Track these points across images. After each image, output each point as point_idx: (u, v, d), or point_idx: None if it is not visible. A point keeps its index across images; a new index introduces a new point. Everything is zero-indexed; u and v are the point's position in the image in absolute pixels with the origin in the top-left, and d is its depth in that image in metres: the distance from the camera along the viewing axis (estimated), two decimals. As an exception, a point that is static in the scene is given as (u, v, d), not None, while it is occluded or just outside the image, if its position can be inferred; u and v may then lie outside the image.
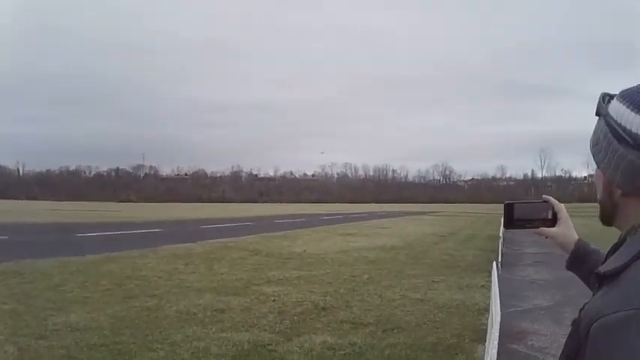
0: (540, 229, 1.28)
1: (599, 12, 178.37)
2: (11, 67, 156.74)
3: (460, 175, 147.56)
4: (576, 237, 1.26)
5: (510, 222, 1.30)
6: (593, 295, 0.94)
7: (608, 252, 1.01)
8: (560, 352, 1.03)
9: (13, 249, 13.46)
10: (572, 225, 1.29)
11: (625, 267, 0.85)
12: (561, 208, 1.29)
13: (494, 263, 5.69)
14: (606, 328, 0.79)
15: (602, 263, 1.00)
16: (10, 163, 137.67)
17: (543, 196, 1.31)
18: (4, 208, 44.32)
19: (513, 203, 1.30)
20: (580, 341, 0.87)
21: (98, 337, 5.58)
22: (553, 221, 1.28)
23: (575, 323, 0.95)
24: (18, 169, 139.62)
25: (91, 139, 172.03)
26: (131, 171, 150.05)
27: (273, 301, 7.66)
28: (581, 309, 0.97)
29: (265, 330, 6.05)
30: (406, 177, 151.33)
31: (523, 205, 1.31)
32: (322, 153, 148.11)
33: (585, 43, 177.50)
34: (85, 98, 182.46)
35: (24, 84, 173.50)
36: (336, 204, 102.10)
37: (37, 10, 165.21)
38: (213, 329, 6.02)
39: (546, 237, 1.28)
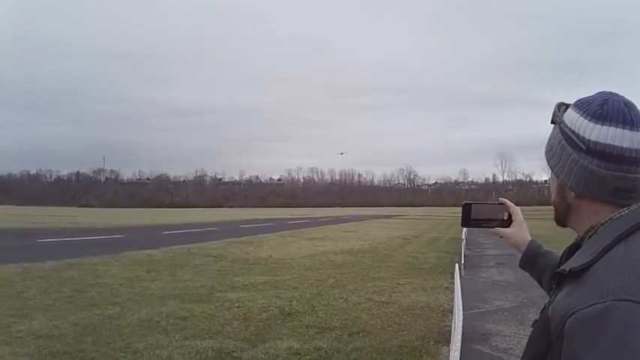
0: (496, 228, 1.36)
1: (549, 30, 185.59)
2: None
3: (424, 179, 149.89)
4: (529, 238, 1.33)
5: (467, 221, 1.37)
6: (552, 294, 0.98)
7: (564, 252, 1.06)
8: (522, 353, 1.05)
9: None
10: (525, 227, 1.36)
11: (592, 263, 0.89)
12: (516, 210, 1.35)
13: (457, 265, 5.79)
14: (584, 321, 0.82)
15: (560, 263, 1.03)
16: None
17: (500, 198, 1.39)
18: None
19: (471, 204, 1.38)
20: (551, 341, 0.89)
21: (61, 345, 5.48)
22: (508, 222, 1.36)
23: (540, 324, 0.98)
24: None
25: (52, 144, 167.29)
26: (92, 175, 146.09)
27: (238, 307, 7.57)
28: (542, 309, 1.00)
29: (230, 337, 5.97)
30: (372, 181, 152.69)
31: (480, 205, 1.39)
32: (341, 154, 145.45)
33: (536, 54, 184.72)
34: (45, 102, 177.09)
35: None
36: (303, 208, 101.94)
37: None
38: (177, 337, 5.90)
39: (501, 237, 1.36)
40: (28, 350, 5.29)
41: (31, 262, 11.42)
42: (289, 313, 7.17)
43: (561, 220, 1.06)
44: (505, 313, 7.52)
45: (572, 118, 0.97)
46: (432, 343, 5.79)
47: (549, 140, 1.03)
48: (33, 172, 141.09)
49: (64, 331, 6.05)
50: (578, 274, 0.90)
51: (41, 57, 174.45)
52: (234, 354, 5.31)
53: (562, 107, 1.02)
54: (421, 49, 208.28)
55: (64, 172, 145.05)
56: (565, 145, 0.97)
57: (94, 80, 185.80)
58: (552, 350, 0.88)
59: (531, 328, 1.04)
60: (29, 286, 8.89)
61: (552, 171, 1.02)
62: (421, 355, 5.35)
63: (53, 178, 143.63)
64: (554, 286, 0.99)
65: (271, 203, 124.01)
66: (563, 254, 1.07)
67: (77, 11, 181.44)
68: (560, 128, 0.99)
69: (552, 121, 1.03)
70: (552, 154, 1.01)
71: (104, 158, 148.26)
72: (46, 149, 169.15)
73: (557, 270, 0.98)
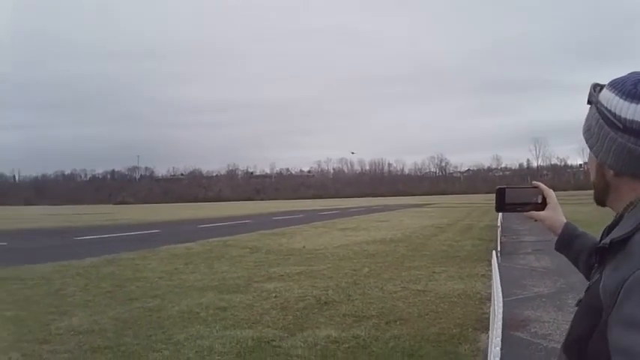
0: (530, 212, 1.36)
1: (580, 8, 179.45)
2: (2, 73, 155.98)
3: (456, 167, 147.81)
4: (564, 220, 1.34)
5: (501, 205, 1.37)
6: (596, 272, 0.99)
7: (604, 231, 1.07)
8: (564, 337, 1.05)
9: (12, 255, 13.46)
10: (560, 209, 1.36)
11: (633, 233, 0.92)
12: (550, 193, 1.36)
13: (494, 252, 5.71)
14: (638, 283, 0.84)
15: (600, 241, 1.04)
16: (6, 170, 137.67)
17: (533, 182, 1.40)
18: (0, 215, 44.14)
19: (505, 188, 1.38)
20: (600, 317, 0.90)
21: (102, 340, 5.55)
22: (542, 205, 1.36)
23: (586, 302, 0.98)
24: (14, 176, 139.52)
25: (86, 143, 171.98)
26: (126, 173, 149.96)
27: (275, 297, 7.67)
28: (587, 289, 1.00)
29: (269, 326, 6.05)
30: (402, 170, 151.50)
31: (514, 189, 1.39)
32: (353, 153, 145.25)
33: (569, 38, 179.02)
34: (77, 103, 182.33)
35: (16, 90, 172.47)
36: (333, 199, 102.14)
37: (29, 15, 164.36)
38: (217, 327, 6.01)
39: (535, 220, 1.36)
40: (68, 347, 5.35)
41: (69, 260, 11.79)
42: (326, 302, 7.23)
43: (601, 199, 1.08)
44: (544, 300, 7.40)
45: (607, 97, 0.98)
46: (470, 330, 5.74)
47: (587, 120, 1.05)
48: (67, 172, 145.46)
49: (105, 325, 6.16)
50: (620, 245, 0.92)
51: (73, 59, 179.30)
52: (274, 343, 5.38)
53: (597, 88, 1.03)
54: (451, 36, 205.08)
55: (99, 171, 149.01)
56: (602, 124, 0.98)
57: (126, 80, 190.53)
58: (601, 325, 0.89)
59: (575, 308, 1.04)
60: (68, 283, 9.11)
61: (591, 150, 1.04)
62: (460, 343, 5.31)
63: (88, 177, 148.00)
64: (596, 264, 1.01)
65: (302, 195, 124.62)
66: (602, 233, 1.07)
67: (109, 12, 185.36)
68: (597, 108, 1.01)
69: (589, 102, 1.05)
70: (591, 134, 1.03)
71: (138, 156, 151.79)
72: (81, 150, 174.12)
73: (599, 245, 1.00)
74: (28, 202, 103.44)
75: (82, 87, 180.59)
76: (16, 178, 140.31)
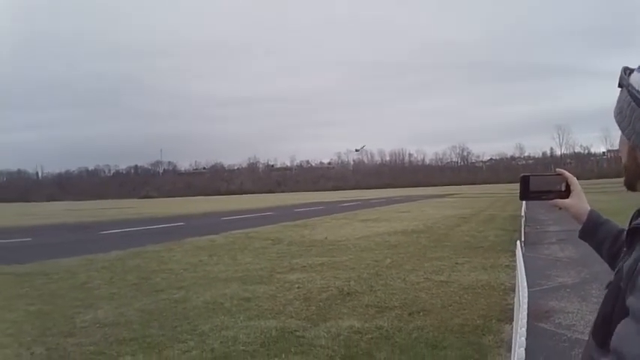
0: (554, 200, 1.36)
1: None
2: (26, 72, 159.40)
3: (478, 156, 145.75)
4: (588, 208, 1.33)
5: (526, 194, 1.37)
6: (625, 255, 1.00)
7: (633, 215, 1.07)
8: (589, 325, 1.06)
9: (37, 250, 13.67)
10: (584, 197, 1.36)
11: None
12: (574, 180, 1.36)
13: (518, 242, 5.65)
14: None
15: (630, 223, 1.04)
16: (29, 167, 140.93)
17: (557, 169, 1.38)
18: (24, 211, 45.21)
19: (529, 176, 1.37)
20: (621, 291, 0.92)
21: (127, 332, 5.62)
22: (567, 193, 1.35)
23: (613, 283, 0.99)
24: (37, 173, 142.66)
25: (109, 140, 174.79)
26: (150, 168, 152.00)
27: (298, 288, 7.73)
28: (617, 271, 1.01)
29: (292, 317, 6.11)
30: (423, 160, 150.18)
31: (538, 177, 1.39)
32: (357, 150, 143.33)
33: (592, 24, 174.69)
34: (100, 100, 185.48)
35: (38, 89, 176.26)
36: (354, 190, 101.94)
37: (51, 15, 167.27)
38: (241, 318, 6.09)
39: (560, 208, 1.36)
40: (93, 339, 5.37)
41: (94, 254, 11.99)
42: (348, 293, 7.26)
43: (632, 182, 1.07)
44: (568, 290, 7.30)
45: (638, 80, 0.99)
46: (494, 321, 5.71)
47: (618, 103, 1.05)
48: (91, 168, 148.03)
49: (130, 317, 6.23)
50: None
51: (95, 57, 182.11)
52: (297, 333, 5.43)
53: (627, 71, 1.03)
54: (472, 22, 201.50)
55: (123, 166, 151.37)
56: (635, 107, 0.98)
57: (148, 77, 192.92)
58: (619, 300, 0.90)
59: (605, 291, 1.04)
60: (93, 276, 9.25)
61: (623, 133, 1.03)
62: (484, 334, 5.29)
63: (112, 172, 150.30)
64: (625, 248, 1.02)
65: (322, 187, 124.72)
66: (632, 216, 1.07)
67: (128, 9, 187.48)
68: (629, 91, 1.00)
69: (619, 85, 1.04)
70: (622, 117, 1.02)
71: (161, 151, 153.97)
72: (104, 146, 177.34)
73: (630, 227, 1.01)
74: (51, 199, 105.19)
75: (105, 84, 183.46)
76: (39, 174, 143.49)
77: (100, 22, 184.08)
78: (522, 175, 1.36)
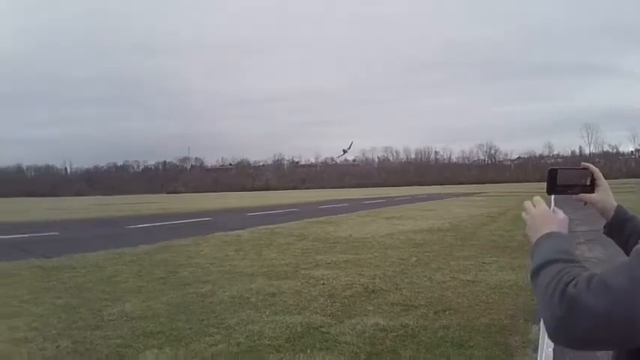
0: (580, 195, 1.32)
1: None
2: (55, 70, 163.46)
3: (506, 155, 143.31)
4: (615, 203, 1.30)
5: (553, 187, 1.34)
6: None
7: None
8: None
9: (64, 244, 13.80)
10: (610, 192, 1.32)
11: None
12: (599, 175, 1.32)
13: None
14: None
15: None
16: (57, 163, 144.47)
17: (582, 163, 1.35)
18: (52, 206, 46.25)
19: (557, 169, 1.33)
20: None
21: (154, 325, 5.66)
22: (591, 188, 1.32)
23: None
24: (65, 168, 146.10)
25: (138, 135, 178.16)
26: (178, 163, 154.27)
27: (323, 284, 7.74)
28: None
29: (317, 313, 6.12)
30: (450, 158, 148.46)
31: (565, 171, 1.35)
32: (344, 151, 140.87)
33: (621, 23, 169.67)
34: (128, 96, 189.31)
35: (68, 85, 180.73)
36: (378, 188, 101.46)
37: (78, 14, 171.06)
38: (267, 312, 6.13)
39: (585, 203, 1.33)
40: (120, 332, 5.39)
41: (121, 248, 12.10)
42: (373, 291, 7.23)
43: None
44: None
45: None
46: (521, 321, 5.62)
47: None
48: (120, 163, 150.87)
49: (158, 311, 6.26)
50: None
51: (122, 54, 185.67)
52: (322, 329, 5.44)
53: None
54: (499, 18, 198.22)
55: (151, 162, 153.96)
56: None
57: (175, 74, 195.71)
58: None
59: None
60: (121, 270, 9.30)
61: None
62: (510, 334, 5.22)
63: (140, 168, 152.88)
64: None
65: (347, 184, 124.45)
66: None
67: (155, 8, 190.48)
68: None
69: None
70: None
71: (189, 147, 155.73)
72: (132, 142, 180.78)
73: None
74: (79, 194, 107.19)
75: (132, 81, 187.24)
76: (68, 170, 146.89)
77: (128, 19, 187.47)
78: (550, 167, 1.34)
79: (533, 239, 1.21)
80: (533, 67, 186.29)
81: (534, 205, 1.25)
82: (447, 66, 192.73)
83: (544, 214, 1.22)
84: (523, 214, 1.28)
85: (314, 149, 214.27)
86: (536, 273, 1.09)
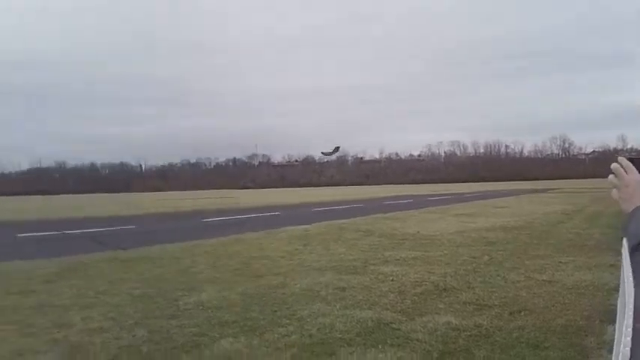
0: None
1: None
2: (133, 72, 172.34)
3: (580, 148, 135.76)
4: None
5: None
6: None
7: None
8: None
9: (142, 237, 14.36)
10: None
11: None
12: None
13: (624, 240, 5.28)
14: None
15: None
16: (132, 160, 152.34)
17: None
18: (127, 201, 48.71)
19: (635, 158, 1.28)
20: None
21: (229, 315, 5.80)
22: None
23: None
24: (140, 165, 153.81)
25: (209, 133, 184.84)
26: (246, 160, 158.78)
27: (392, 280, 7.74)
28: None
29: (387, 309, 6.13)
30: (521, 152, 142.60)
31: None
32: (325, 154, 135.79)
33: None
34: (200, 95, 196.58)
35: (143, 85, 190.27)
36: (445, 184, 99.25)
37: (151, 20, 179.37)
38: (337, 306, 6.20)
39: None
40: (196, 321, 5.52)
41: (197, 240, 12.57)
42: (444, 289, 7.14)
43: None
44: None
45: None
46: (597, 322, 5.38)
47: None
48: (193, 160, 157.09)
49: (232, 301, 6.42)
50: None
51: (196, 55, 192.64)
52: (393, 325, 5.44)
53: None
54: (568, 5, 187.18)
55: (222, 159, 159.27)
56: None
57: (242, 73, 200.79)
58: None
59: None
60: (198, 261, 9.64)
61: None
62: (586, 335, 5.02)
63: (212, 164, 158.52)
64: None
65: (412, 179, 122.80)
66: None
67: (215, 11, 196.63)
68: None
69: None
70: None
71: (256, 145, 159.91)
72: (205, 140, 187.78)
73: None
74: (154, 190, 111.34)
75: (204, 81, 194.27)
76: (143, 167, 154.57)
77: (191, 25, 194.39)
78: (628, 157, 1.28)
79: (628, 208, 1.18)
80: (603, 58, 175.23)
81: (626, 171, 1.22)
82: (518, 56, 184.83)
83: (639, 183, 1.19)
84: (611, 177, 1.25)
85: (378, 145, 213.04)
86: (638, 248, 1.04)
